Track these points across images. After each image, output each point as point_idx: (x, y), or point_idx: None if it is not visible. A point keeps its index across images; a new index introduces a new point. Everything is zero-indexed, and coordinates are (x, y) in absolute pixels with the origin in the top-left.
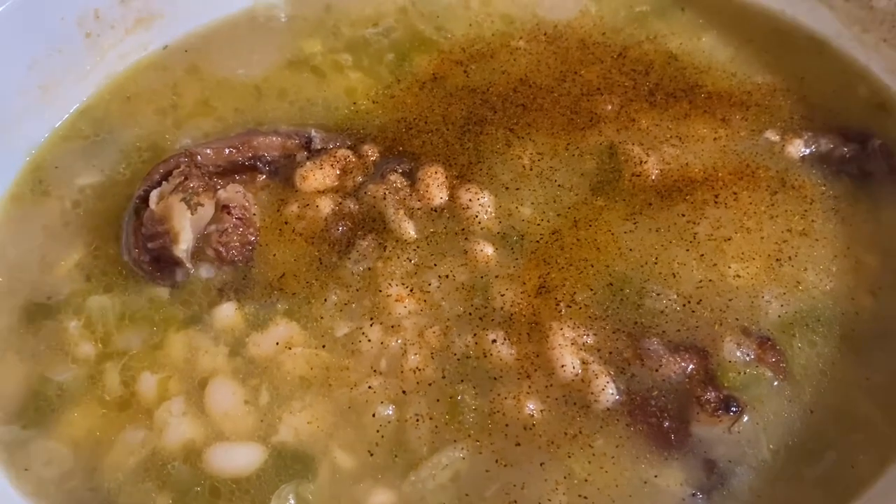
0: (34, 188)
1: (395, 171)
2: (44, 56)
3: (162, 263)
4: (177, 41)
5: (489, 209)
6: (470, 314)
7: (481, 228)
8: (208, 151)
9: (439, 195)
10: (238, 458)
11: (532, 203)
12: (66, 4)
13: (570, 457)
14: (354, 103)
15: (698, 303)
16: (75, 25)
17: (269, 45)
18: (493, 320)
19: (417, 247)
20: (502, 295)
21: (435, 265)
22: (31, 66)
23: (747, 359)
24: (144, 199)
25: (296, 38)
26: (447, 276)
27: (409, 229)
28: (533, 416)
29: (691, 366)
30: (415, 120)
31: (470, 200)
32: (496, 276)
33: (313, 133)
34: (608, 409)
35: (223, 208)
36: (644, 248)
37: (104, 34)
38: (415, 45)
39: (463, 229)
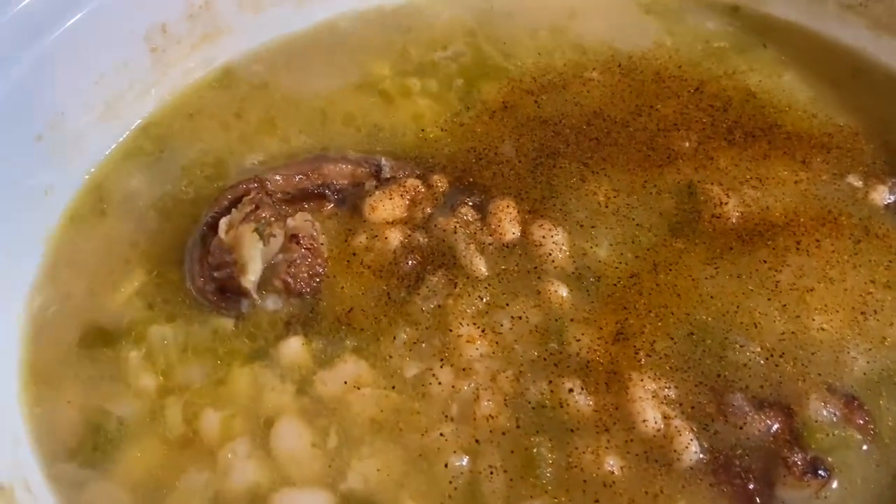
0: (95, 207)
1: (466, 204)
2: (110, 70)
3: (227, 293)
4: (242, 58)
5: (563, 247)
6: (544, 359)
7: (555, 267)
8: (278, 178)
9: (511, 230)
10: None
11: (609, 243)
12: (135, 19)
13: None
14: (423, 130)
15: (781, 356)
16: (142, 40)
17: (337, 66)
18: (568, 367)
19: (489, 284)
20: (578, 340)
21: (507, 305)
22: (97, 80)
23: (834, 419)
24: (212, 226)
25: (364, 60)
26: (520, 318)
27: (481, 266)
28: (613, 472)
29: (776, 424)
30: (485, 150)
31: (543, 237)
32: (571, 320)
33: (383, 161)
34: (691, 467)
35: (291, 238)
36: (725, 295)
37: (170, 49)
38: (484, 71)
39: (535, 267)
